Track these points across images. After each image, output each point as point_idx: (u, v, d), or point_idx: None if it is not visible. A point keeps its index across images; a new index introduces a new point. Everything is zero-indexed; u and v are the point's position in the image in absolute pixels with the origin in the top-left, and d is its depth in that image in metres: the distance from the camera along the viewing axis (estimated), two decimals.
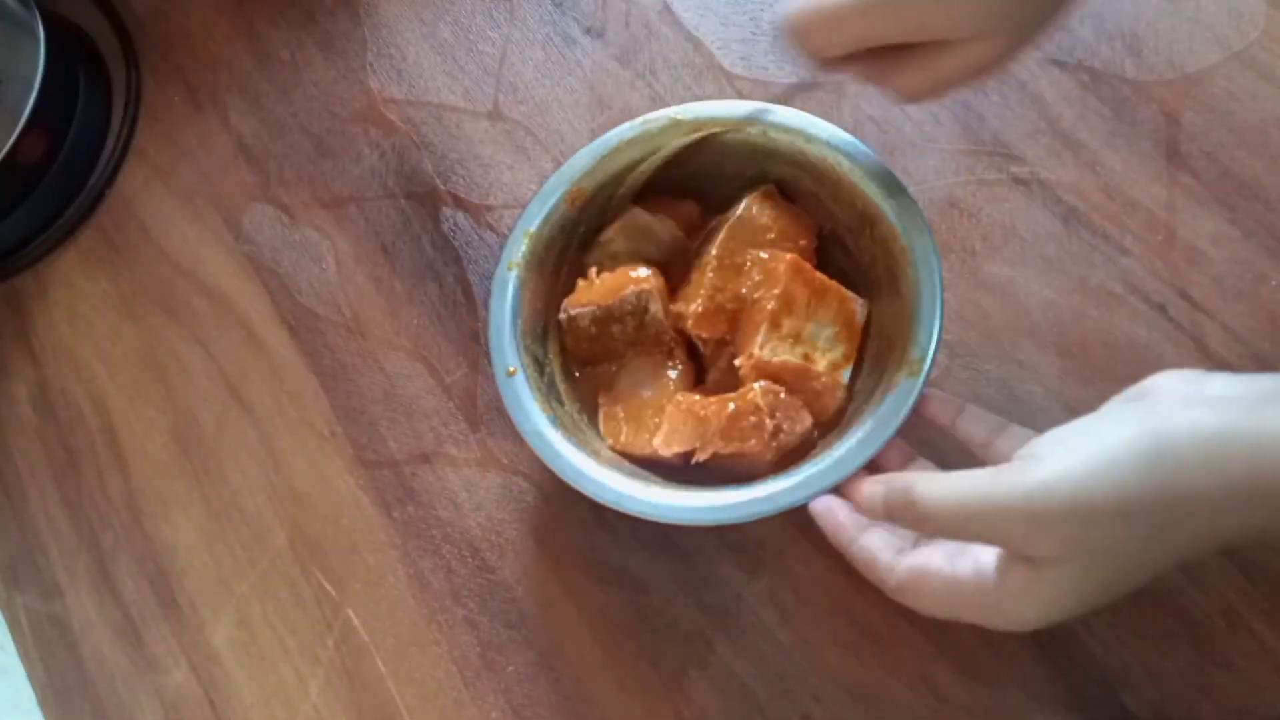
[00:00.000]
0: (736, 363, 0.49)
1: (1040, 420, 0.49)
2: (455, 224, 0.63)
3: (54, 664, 0.59)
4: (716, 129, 0.52)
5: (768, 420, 0.46)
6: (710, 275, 0.50)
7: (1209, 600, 0.46)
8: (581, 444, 0.47)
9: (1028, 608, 0.37)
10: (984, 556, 0.38)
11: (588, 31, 0.66)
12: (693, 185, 0.54)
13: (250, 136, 0.70)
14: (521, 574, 0.54)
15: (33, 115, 0.67)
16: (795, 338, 0.48)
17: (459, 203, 0.64)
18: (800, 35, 0.42)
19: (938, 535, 0.41)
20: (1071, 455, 0.35)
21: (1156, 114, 0.55)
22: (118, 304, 0.67)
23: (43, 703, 0.59)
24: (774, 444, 0.46)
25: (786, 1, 0.41)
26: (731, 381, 0.49)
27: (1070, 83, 0.57)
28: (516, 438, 0.56)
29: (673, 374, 0.51)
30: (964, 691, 0.47)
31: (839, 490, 0.43)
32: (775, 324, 0.48)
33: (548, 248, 0.53)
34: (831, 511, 0.43)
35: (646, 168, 0.53)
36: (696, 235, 0.54)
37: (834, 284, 0.49)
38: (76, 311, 0.68)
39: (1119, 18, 0.58)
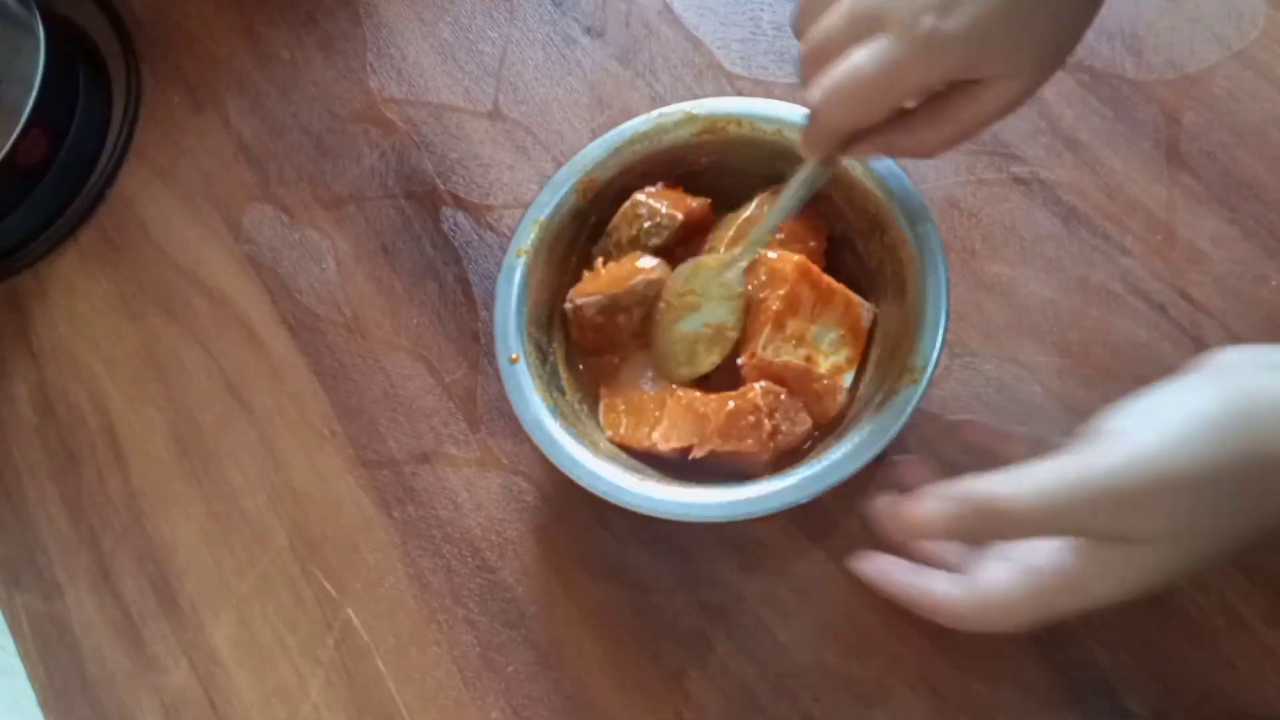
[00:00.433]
0: (739, 361, 0.49)
1: (1039, 420, 0.50)
2: (455, 224, 0.63)
3: (54, 664, 0.59)
4: (731, 125, 0.52)
5: (766, 421, 0.46)
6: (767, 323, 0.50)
7: (1210, 600, 0.46)
8: (580, 434, 0.47)
9: (1117, 587, 0.35)
10: (1047, 549, 0.37)
11: (588, 31, 0.66)
12: (705, 182, 0.54)
13: (250, 136, 0.70)
14: (521, 574, 0.54)
15: (33, 115, 0.67)
16: (799, 339, 0.48)
17: (459, 202, 0.64)
18: (834, 110, 0.39)
19: (1023, 537, 0.38)
20: (1154, 427, 0.34)
21: (1157, 114, 0.55)
22: (118, 304, 0.67)
23: (43, 702, 0.59)
24: (772, 444, 0.46)
25: (811, 86, 0.39)
26: (733, 380, 0.49)
27: (1070, 83, 0.57)
28: (517, 437, 0.56)
29: None
30: (964, 691, 0.47)
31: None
32: (779, 325, 0.48)
33: (557, 237, 0.53)
34: (885, 574, 0.41)
35: (646, 148, 0.53)
36: (708, 231, 0.54)
37: (841, 287, 0.49)
38: (76, 311, 0.68)
39: (1119, 17, 0.58)
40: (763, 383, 0.47)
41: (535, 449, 0.47)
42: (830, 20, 0.38)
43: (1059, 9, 0.37)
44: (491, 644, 0.53)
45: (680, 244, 0.53)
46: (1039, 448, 0.37)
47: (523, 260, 0.51)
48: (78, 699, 0.58)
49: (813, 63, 0.39)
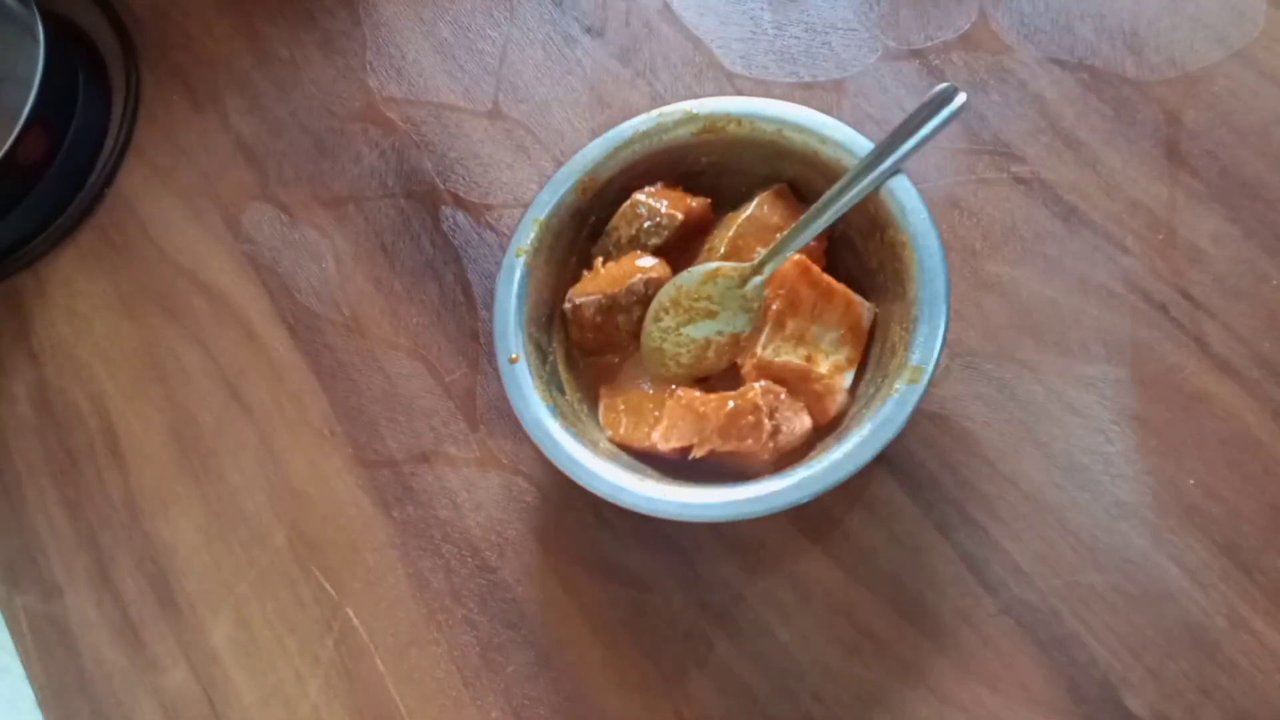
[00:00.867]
0: (739, 361, 0.48)
1: (1040, 419, 0.50)
2: (455, 223, 0.63)
3: (53, 664, 0.59)
4: (731, 125, 0.52)
5: (766, 420, 0.46)
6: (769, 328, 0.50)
7: (1210, 600, 0.46)
8: (580, 434, 0.47)
9: None
10: None
11: (588, 30, 0.66)
12: (705, 181, 0.54)
13: (249, 135, 0.70)
14: (521, 573, 0.54)
15: (32, 114, 0.67)
16: (799, 339, 0.48)
17: (459, 202, 0.63)
18: None
19: None
20: None
21: (1157, 113, 0.55)
22: (117, 303, 0.67)
23: (42, 703, 0.59)
24: (772, 444, 0.46)
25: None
26: (733, 380, 0.49)
27: (1071, 82, 0.57)
28: (516, 437, 0.56)
29: None
30: (964, 692, 0.46)
31: None
32: (779, 324, 0.48)
33: (557, 237, 0.52)
34: None
35: (646, 147, 0.53)
36: (708, 231, 0.54)
37: (841, 287, 0.49)
38: (76, 311, 0.68)
39: (1119, 16, 0.58)
40: (763, 382, 0.47)
41: (535, 449, 0.47)
42: None
43: None
44: (491, 644, 0.53)
45: (680, 243, 0.53)
46: None
47: (522, 260, 0.51)
48: (76, 699, 0.58)
49: None
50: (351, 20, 0.71)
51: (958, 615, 0.48)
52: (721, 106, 0.52)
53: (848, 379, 0.48)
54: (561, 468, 0.46)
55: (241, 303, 0.64)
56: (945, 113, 0.48)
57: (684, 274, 0.51)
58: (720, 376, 0.50)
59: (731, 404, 0.46)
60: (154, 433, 0.62)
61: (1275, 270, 0.51)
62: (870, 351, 0.49)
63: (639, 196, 0.52)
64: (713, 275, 0.50)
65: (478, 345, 0.59)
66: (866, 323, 0.49)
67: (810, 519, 0.51)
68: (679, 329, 0.50)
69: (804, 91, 0.60)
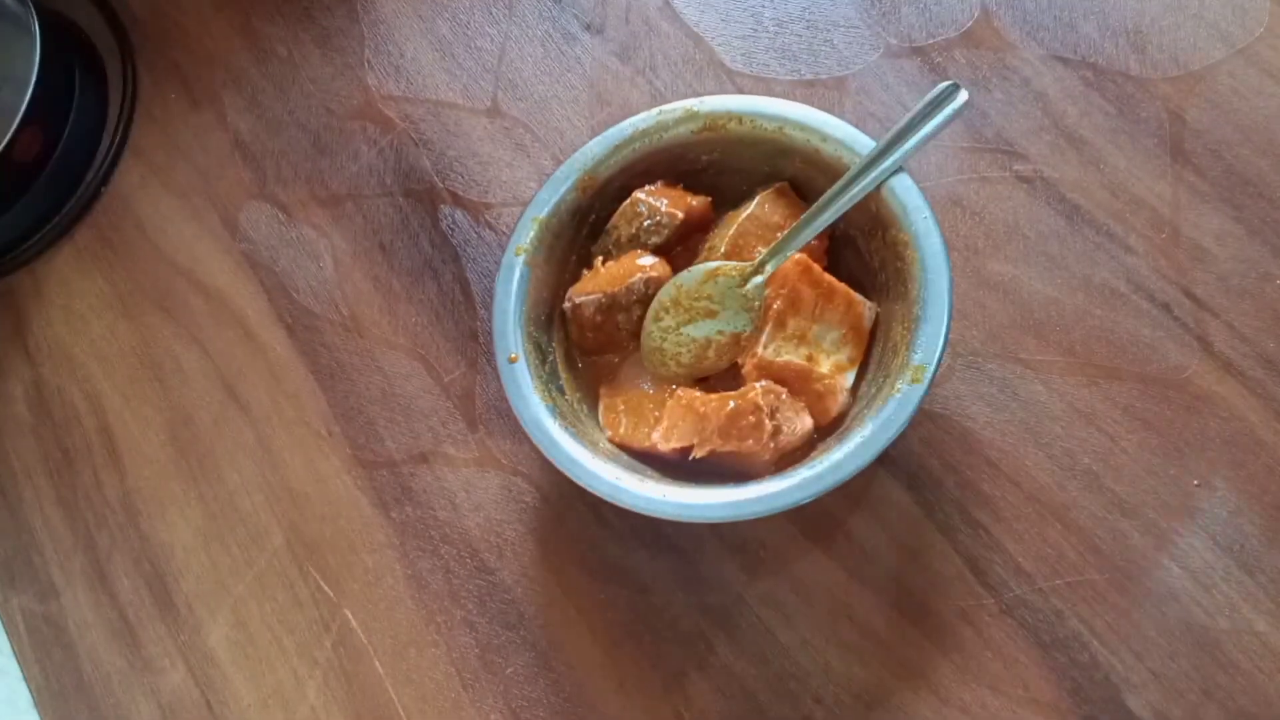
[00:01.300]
0: (739, 360, 0.48)
1: (1042, 419, 0.50)
2: (454, 222, 0.63)
3: (50, 665, 0.59)
4: (732, 122, 0.52)
5: (767, 420, 0.45)
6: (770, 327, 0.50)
7: (1213, 601, 0.45)
8: (580, 434, 0.47)
9: None
10: None
11: (587, 28, 0.66)
12: (705, 180, 0.54)
13: (247, 134, 0.69)
14: (521, 575, 0.53)
15: (28, 112, 0.66)
16: (800, 338, 0.48)
17: (457, 200, 0.63)
18: None
19: None
20: None
21: (1160, 111, 0.55)
22: (114, 302, 0.67)
23: (39, 704, 0.59)
24: (773, 445, 0.46)
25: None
26: (733, 380, 0.49)
27: (1074, 79, 0.56)
28: (515, 437, 0.56)
29: None
30: (966, 693, 0.46)
31: None
32: (780, 324, 0.48)
33: (556, 235, 0.52)
34: None
35: (646, 145, 0.53)
36: (709, 229, 0.53)
37: (842, 286, 0.48)
38: (72, 310, 0.67)
39: (1123, 14, 0.57)
40: (764, 382, 0.46)
41: (534, 449, 0.47)
42: None
43: None
44: (490, 645, 0.52)
45: (680, 242, 0.52)
46: None
47: (521, 259, 0.51)
48: (73, 700, 0.58)
49: None
50: (349, 18, 0.71)
51: (959, 616, 0.47)
52: (722, 104, 0.52)
53: (849, 379, 0.48)
54: (561, 468, 0.46)
55: (239, 302, 0.64)
56: (947, 111, 0.47)
57: (684, 273, 0.50)
58: (720, 376, 0.50)
59: (732, 404, 0.46)
60: (151, 432, 0.62)
61: (1279, 269, 0.50)
62: (872, 351, 0.49)
63: (639, 195, 0.52)
64: (713, 275, 0.50)
65: (477, 345, 0.59)
66: (868, 322, 0.49)
67: (811, 520, 0.50)
68: (679, 328, 0.50)
69: (805, 89, 0.60)
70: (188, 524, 0.59)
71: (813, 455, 0.45)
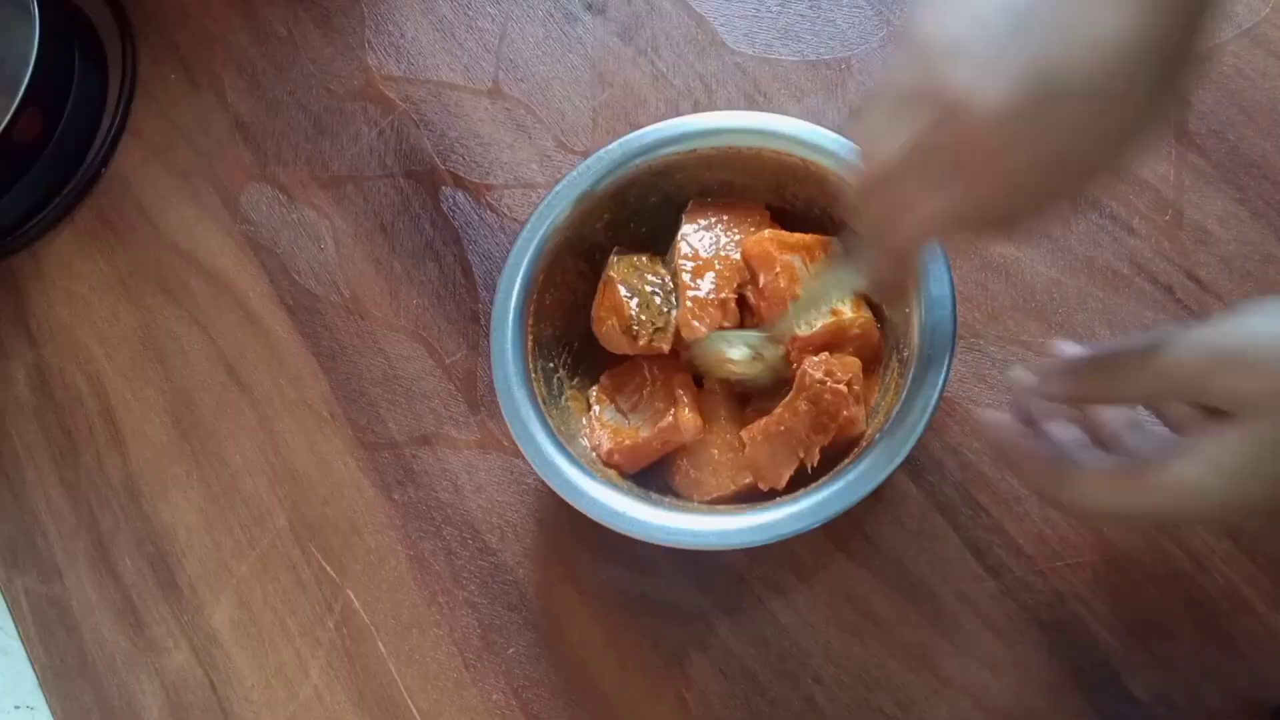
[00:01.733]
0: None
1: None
2: (455, 203, 0.62)
3: (54, 645, 0.59)
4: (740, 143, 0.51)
5: (838, 385, 0.45)
6: (685, 278, 0.49)
7: (1213, 583, 0.46)
8: (579, 455, 0.47)
9: (1212, 476, 0.33)
10: (1161, 442, 0.36)
11: (589, 8, 0.65)
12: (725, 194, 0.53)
13: (247, 115, 0.69)
14: (523, 556, 0.54)
15: (28, 94, 0.66)
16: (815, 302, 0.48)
17: (459, 182, 0.63)
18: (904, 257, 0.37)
19: (1138, 400, 0.39)
20: (1270, 304, 0.34)
21: None
22: (115, 284, 0.67)
23: (43, 684, 0.59)
24: (857, 404, 0.46)
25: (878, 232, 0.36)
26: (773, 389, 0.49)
27: None
28: None
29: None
30: (965, 674, 0.46)
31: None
32: (795, 297, 0.48)
33: (557, 252, 0.52)
34: (999, 426, 0.40)
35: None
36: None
37: (809, 236, 0.49)
38: (74, 292, 0.67)
39: None
40: (807, 361, 0.46)
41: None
42: (896, 156, 0.33)
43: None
44: (492, 626, 0.53)
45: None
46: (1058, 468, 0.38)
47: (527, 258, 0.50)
48: (78, 680, 0.58)
49: (873, 201, 0.35)
50: None
51: (960, 597, 0.47)
52: (714, 125, 0.51)
53: (867, 311, 0.48)
54: (567, 498, 0.45)
55: (240, 284, 0.64)
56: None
57: (712, 340, 0.49)
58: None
59: (803, 405, 0.45)
60: (153, 414, 0.62)
61: None
62: (885, 359, 0.49)
63: (635, 256, 0.51)
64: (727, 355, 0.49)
65: (478, 327, 0.59)
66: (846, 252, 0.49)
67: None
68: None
69: (808, 69, 0.60)
70: (190, 505, 0.59)
71: (825, 477, 0.44)
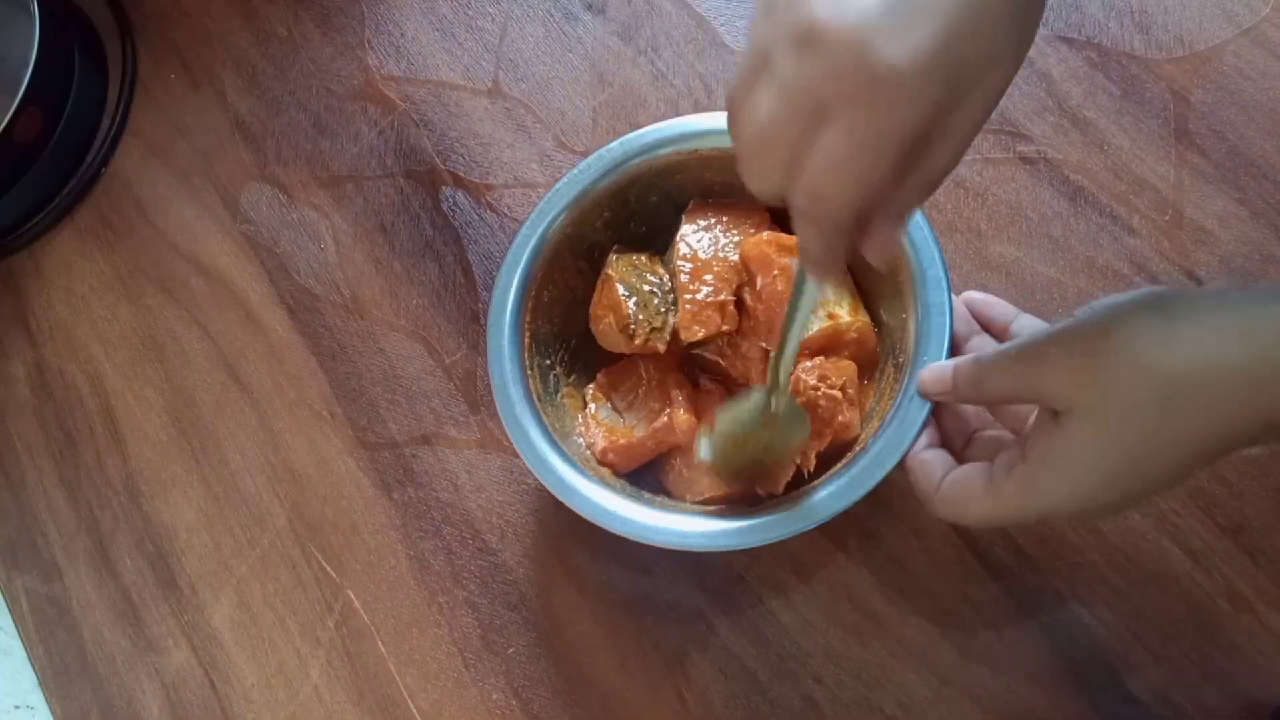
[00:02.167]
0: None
1: None
2: (455, 203, 0.62)
3: (54, 645, 0.59)
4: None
5: (833, 392, 0.45)
6: (684, 280, 0.49)
7: (1213, 582, 0.46)
8: (574, 456, 0.47)
9: (1058, 479, 0.35)
10: (1015, 454, 0.38)
11: (589, 7, 0.65)
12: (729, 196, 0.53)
13: (247, 114, 0.69)
14: (523, 556, 0.54)
15: (28, 94, 0.66)
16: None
17: (459, 182, 0.63)
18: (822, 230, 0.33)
19: (1000, 401, 0.42)
20: (1089, 305, 0.36)
21: (1165, 92, 0.54)
22: (115, 284, 0.67)
23: (43, 683, 0.59)
24: (855, 411, 0.46)
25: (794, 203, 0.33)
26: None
27: (1078, 60, 0.56)
28: None
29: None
30: (965, 673, 0.46)
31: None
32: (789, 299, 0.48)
33: (556, 254, 0.52)
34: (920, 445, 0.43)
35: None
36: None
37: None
38: (73, 291, 0.67)
39: None
40: (801, 366, 0.46)
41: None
42: (767, 111, 0.31)
43: None
44: (492, 626, 0.53)
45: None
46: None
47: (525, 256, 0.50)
48: (78, 680, 0.58)
49: (762, 167, 0.32)
50: None
51: (960, 597, 0.47)
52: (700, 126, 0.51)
53: (864, 314, 0.48)
54: (560, 497, 0.45)
55: (240, 283, 0.64)
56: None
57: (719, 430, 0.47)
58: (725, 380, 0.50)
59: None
60: (153, 414, 0.62)
61: None
62: (882, 363, 0.49)
63: (634, 255, 0.51)
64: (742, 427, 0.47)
65: (478, 327, 0.59)
66: None
67: None
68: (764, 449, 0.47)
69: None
70: (190, 505, 0.59)
71: (819, 480, 0.44)
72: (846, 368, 0.47)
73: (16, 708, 0.58)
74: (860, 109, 0.29)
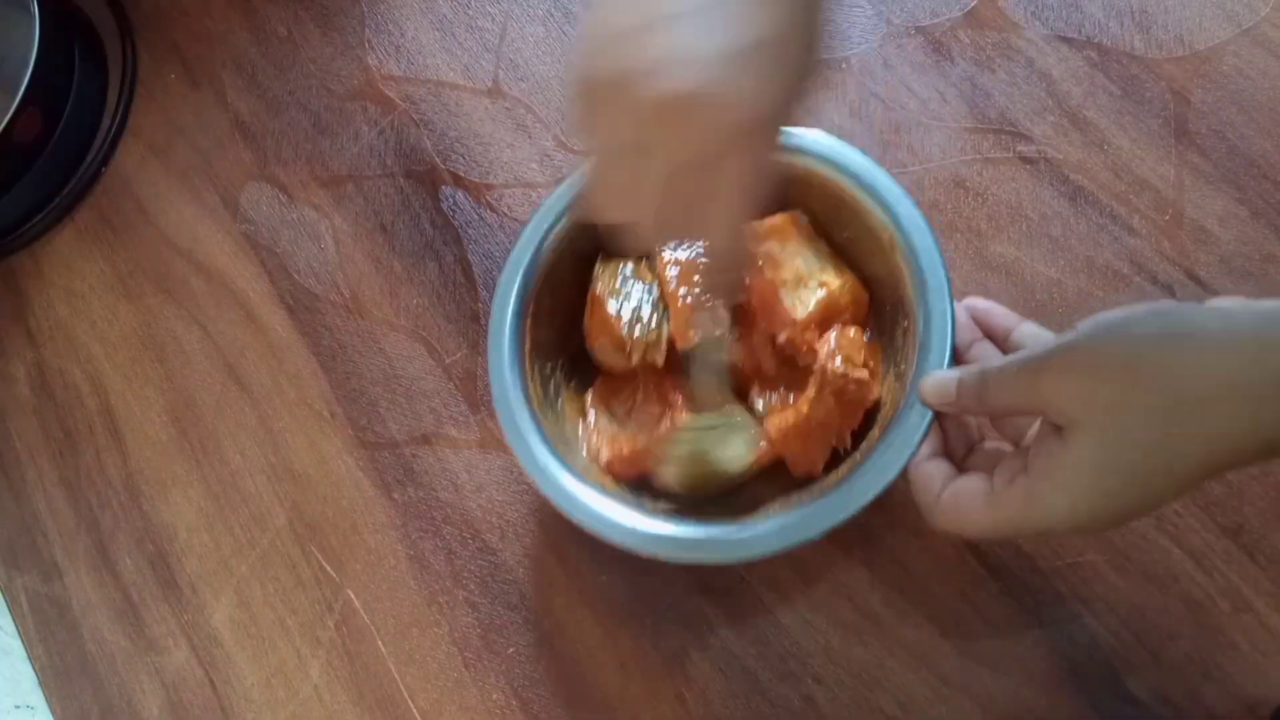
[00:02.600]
0: (781, 339, 0.48)
1: None
2: (455, 203, 0.62)
3: (54, 644, 0.59)
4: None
5: (859, 371, 0.45)
6: (671, 286, 0.49)
7: (1213, 582, 0.46)
8: (580, 469, 0.47)
9: (1059, 493, 0.35)
10: (1015, 466, 0.38)
11: (589, 6, 0.65)
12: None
13: (247, 114, 0.69)
14: (523, 555, 0.54)
15: (28, 93, 0.66)
16: (800, 280, 0.48)
17: (459, 181, 0.63)
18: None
19: (1003, 414, 0.42)
20: (1093, 319, 0.36)
21: (1165, 91, 0.54)
22: (115, 284, 0.67)
23: (43, 683, 0.59)
24: (872, 380, 0.46)
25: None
26: (789, 375, 0.49)
27: (1078, 60, 0.56)
28: None
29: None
30: (965, 673, 0.46)
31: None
32: (782, 282, 0.48)
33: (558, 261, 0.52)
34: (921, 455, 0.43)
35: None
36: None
37: (778, 217, 0.49)
38: (74, 291, 0.67)
39: None
40: (822, 347, 0.46)
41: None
42: (653, 182, 0.33)
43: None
44: (492, 625, 0.53)
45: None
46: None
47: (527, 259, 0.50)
48: (78, 679, 0.58)
49: (665, 231, 0.36)
50: None
51: (960, 597, 0.47)
52: None
53: (852, 279, 0.49)
54: (566, 512, 0.45)
55: (240, 283, 0.64)
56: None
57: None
58: (771, 378, 0.50)
59: (829, 398, 0.45)
60: (153, 413, 0.62)
61: None
62: (886, 365, 0.48)
63: (621, 262, 0.51)
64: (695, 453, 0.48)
65: (478, 326, 0.59)
66: (805, 221, 0.49)
67: None
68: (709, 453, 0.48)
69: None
70: (190, 504, 0.59)
71: (822, 485, 0.45)
72: (857, 339, 0.47)
73: (16, 707, 0.58)
74: (744, 153, 0.32)
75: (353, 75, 0.68)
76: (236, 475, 0.59)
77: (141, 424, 0.62)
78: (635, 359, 0.49)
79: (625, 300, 0.50)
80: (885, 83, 0.58)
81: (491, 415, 0.56)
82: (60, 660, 0.59)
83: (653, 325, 0.49)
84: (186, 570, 0.58)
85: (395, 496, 0.56)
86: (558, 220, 0.50)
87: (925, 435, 0.42)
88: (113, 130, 0.71)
